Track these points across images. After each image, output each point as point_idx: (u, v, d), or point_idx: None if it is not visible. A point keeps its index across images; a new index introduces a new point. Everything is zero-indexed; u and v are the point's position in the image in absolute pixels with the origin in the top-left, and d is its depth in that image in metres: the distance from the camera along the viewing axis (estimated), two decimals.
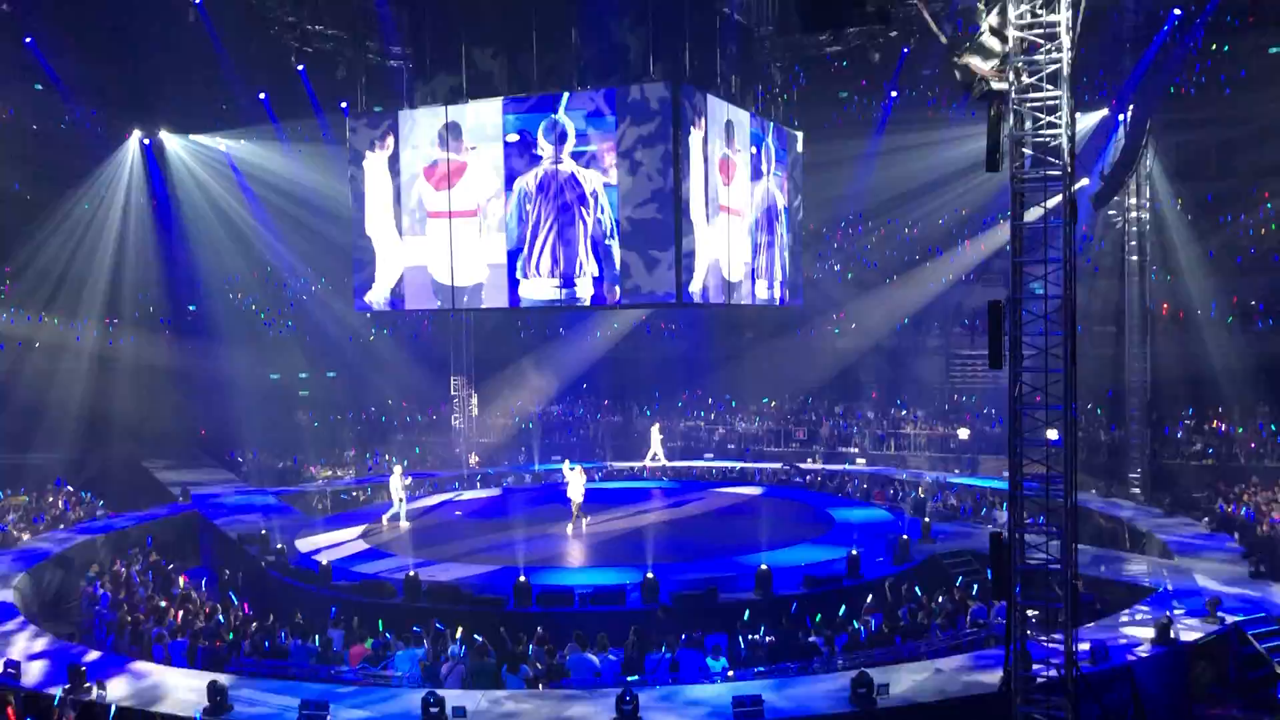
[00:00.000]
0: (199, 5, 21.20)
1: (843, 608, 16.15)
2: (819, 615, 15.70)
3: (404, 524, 22.80)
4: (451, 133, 19.66)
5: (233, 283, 34.37)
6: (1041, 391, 11.30)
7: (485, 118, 19.48)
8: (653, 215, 18.21)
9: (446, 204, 19.83)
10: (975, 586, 17.45)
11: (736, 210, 20.48)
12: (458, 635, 14.55)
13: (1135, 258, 24.81)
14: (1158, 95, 25.48)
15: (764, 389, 34.84)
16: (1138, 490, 24.19)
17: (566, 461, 24.02)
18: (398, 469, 23.63)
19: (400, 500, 23.01)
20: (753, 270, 21.46)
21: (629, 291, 18.56)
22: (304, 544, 20.93)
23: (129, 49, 25.21)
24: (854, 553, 17.99)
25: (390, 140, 20.37)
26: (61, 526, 22.32)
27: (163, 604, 16.51)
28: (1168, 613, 14.12)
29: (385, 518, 22.95)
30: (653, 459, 29.32)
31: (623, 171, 18.45)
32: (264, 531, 21.08)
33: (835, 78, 30.33)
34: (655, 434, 29.56)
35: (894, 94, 30.79)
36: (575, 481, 22.25)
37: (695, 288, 18.69)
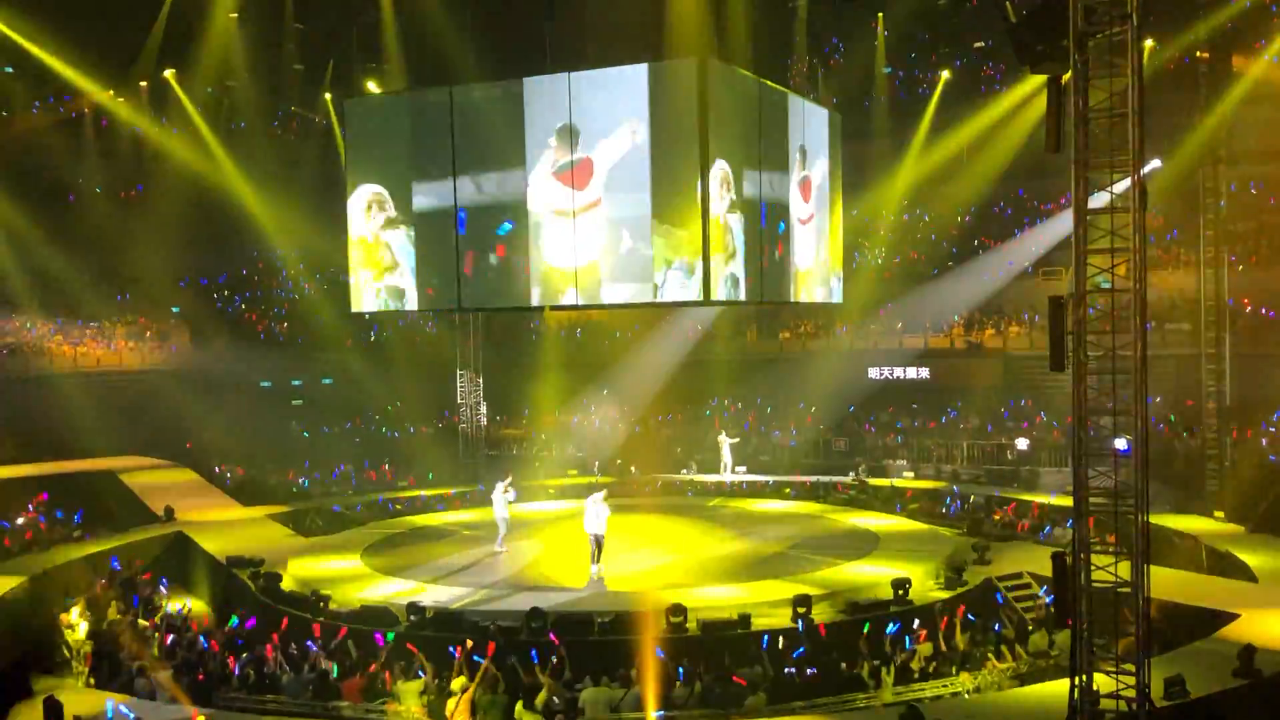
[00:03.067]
0: None
1: (888, 634, 16.05)
2: (863, 645, 15.60)
3: (500, 549, 21.79)
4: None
5: (219, 281, 34.62)
6: (1109, 396, 11.19)
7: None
8: None
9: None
10: (1036, 611, 17.31)
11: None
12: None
13: (1211, 247, 24.54)
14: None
15: (800, 395, 34.77)
16: (1217, 505, 23.93)
17: (605, 492, 21.01)
18: (500, 486, 21.95)
19: (504, 521, 21.77)
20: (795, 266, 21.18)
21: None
22: (299, 567, 21.04)
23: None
24: (902, 575, 17.97)
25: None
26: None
27: (144, 631, 16.62)
28: (1251, 643, 13.95)
29: (498, 546, 21.96)
30: (734, 470, 30.44)
31: None
32: (254, 555, 21.18)
33: (879, 51, 30.34)
34: (724, 443, 30.49)
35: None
36: (593, 512, 19.85)
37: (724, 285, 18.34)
